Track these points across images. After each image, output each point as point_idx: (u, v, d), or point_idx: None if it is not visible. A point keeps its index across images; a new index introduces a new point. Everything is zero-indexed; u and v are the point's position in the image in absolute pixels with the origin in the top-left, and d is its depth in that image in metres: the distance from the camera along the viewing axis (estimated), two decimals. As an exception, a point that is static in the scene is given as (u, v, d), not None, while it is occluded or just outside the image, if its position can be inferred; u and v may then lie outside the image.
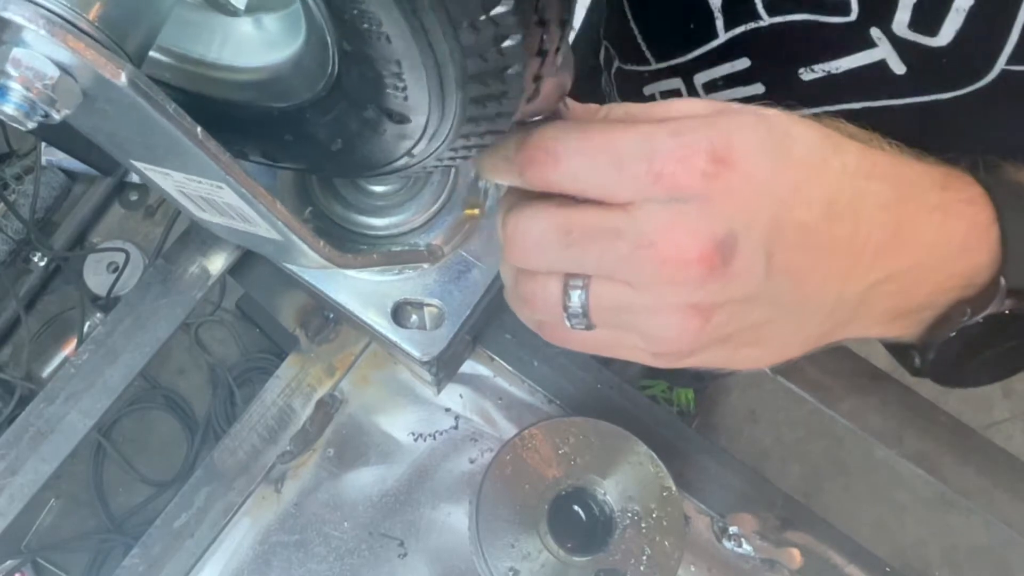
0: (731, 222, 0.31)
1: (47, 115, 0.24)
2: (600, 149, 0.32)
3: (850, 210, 0.33)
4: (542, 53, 0.27)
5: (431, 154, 0.32)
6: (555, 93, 0.33)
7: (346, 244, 0.57)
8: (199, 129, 0.27)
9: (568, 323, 0.35)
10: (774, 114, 0.33)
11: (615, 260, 0.32)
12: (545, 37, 0.26)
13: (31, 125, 0.24)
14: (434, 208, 0.57)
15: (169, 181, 0.32)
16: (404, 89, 0.28)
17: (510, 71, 0.26)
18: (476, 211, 0.58)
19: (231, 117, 0.36)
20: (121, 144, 0.30)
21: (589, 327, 0.35)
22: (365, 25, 0.25)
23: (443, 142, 0.31)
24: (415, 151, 0.32)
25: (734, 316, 0.33)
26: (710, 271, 0.31)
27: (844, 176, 0.33)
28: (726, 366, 0.37)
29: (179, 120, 0.26)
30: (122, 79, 0.24)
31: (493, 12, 0.23)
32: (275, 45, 0.33)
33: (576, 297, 0.34)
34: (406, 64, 0.26)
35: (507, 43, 0.25)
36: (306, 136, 0.35)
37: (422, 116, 0.29)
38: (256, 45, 0.34)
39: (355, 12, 0.25)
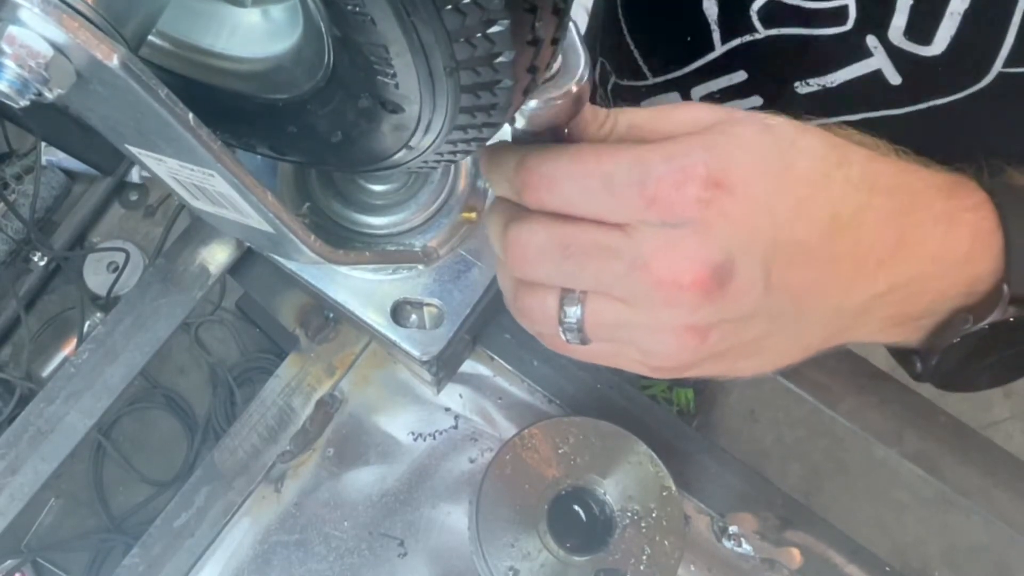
0: (728, 246, 0.31)
1: (40, 94, 0.24)
2: (592, 174, 0.32)
3: (853, 224, 0.32)
4: (536, 42, 0.26)
5: (430, 146, 0.32)
6: (572, 108, 0.32)
7: (342, 241, 0.56)
8: (191, 115, 0.26)
9: (564, 337, 0.35)
10: (780, 124, 0.33)
11: (611, 278, 0.32)
12: (537, 25, 0.25)
13: (24, 103, 0.24)
14: (432, 209, 0.57)
15: (163, 167, 0.32)
16: (394, 76, 0.27)
17: (501, 58, 0.25)
18: (474, 214, 0.58)
19: (238, 109, 0.36)
20: (115, 127, 0.30)
21: (584, 341, 0.35)
22: (350, 7, 0.25)
23: (439, 134, 0.30)
24: (413, 143, 0.32)
25: (731, 333, 0.33)
26: (705, 295, 0.31)
27: (847, 189, 0.32)
28: (725, 376, 0.37)
29: (171, 105, 0.26)
30: (114, 61, 0.24)
31: None
32: (278, 36, 0.34)
33: (572, 312, 0.34)
34: (394, 49, 0.26)
35: (494, 28, 0.24)
36: (309, 128, 0.35)
37: (415, 105, 0.29)
38: (261, 35, 0.35)
39: None
